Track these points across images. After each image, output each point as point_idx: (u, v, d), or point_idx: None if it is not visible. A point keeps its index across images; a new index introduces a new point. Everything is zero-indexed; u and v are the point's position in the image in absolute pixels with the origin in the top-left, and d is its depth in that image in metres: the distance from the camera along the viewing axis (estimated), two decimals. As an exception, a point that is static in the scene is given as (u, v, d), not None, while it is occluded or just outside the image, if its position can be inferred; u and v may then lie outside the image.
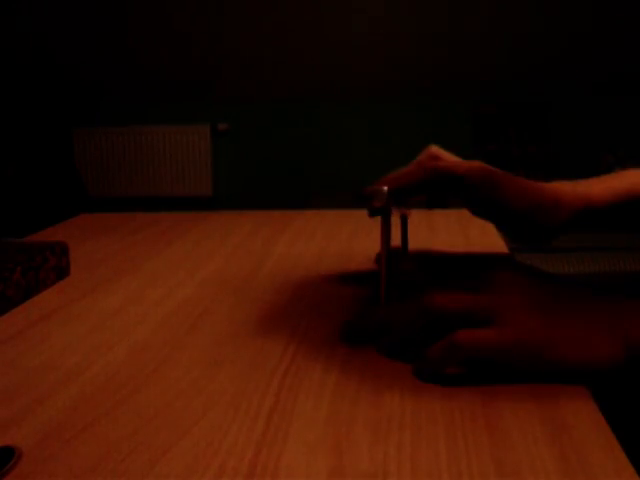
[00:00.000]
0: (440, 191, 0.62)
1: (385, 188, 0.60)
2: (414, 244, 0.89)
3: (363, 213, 1.12)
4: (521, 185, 0.63)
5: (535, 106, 3.34)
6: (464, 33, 3.37)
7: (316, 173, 3.66)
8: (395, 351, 0.54)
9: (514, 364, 0.49)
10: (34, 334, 0.62)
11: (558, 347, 0.48)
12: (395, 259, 0.82)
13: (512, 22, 3.33)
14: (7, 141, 3.24)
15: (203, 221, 1.09)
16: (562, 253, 2.30)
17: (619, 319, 0.50)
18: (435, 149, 0.70)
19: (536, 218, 0.64)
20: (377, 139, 3.58)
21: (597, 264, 2.35)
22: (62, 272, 0.79)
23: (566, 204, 0.64)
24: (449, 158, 0.70)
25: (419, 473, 0.38)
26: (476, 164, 0.61)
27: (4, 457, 0.40)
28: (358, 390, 0.48)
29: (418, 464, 0.39)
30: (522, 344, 0.49)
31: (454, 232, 0.97)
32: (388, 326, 0.55)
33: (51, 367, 0.54)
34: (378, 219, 1.06)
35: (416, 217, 1.06)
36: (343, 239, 0.95)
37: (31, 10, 3.54)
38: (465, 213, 1.08)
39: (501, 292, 0.52)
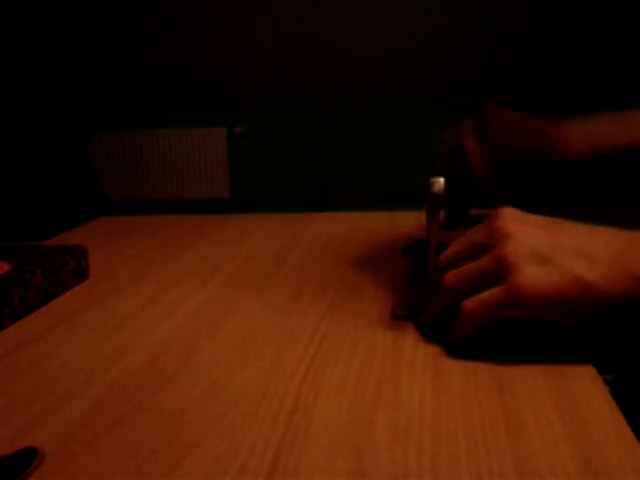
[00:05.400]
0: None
1: (442, 179, 0.62)
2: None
3: (380, 216, 1.12)
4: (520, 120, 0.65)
5: (548, 106, 3.32)
6: (478, 33, 3.36)
7: (333, 176, 3.66)
8: (433, 326, 0.57)
9: (523, 315, 0.49)
10: (54, 337, 0.62)
11: (558, 289, 0.47)
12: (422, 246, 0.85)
13: (525, 21, 3.32)
14: (25, 145, 3.27)
15: (221, 224, 1.10)
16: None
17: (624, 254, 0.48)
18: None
19: (540, 153, 0.63)
20: (393, 141, 3.58)
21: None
22: (81, 275, 0.80)
23: (574, 144, 0.61)
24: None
25: (439, 474, 0.38)
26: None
27: (27, 458, 0.40)
28: (377, 391, 0.48)
29: (438, 465, 0.39)
30: (522, 296, 0.48)
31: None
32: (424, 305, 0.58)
33: (71, 369, 0.54)
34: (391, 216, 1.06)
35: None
36: (361, 242, 0.95)
37: (46, 14, 3.57)
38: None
39: (504, 237, 0.50)
